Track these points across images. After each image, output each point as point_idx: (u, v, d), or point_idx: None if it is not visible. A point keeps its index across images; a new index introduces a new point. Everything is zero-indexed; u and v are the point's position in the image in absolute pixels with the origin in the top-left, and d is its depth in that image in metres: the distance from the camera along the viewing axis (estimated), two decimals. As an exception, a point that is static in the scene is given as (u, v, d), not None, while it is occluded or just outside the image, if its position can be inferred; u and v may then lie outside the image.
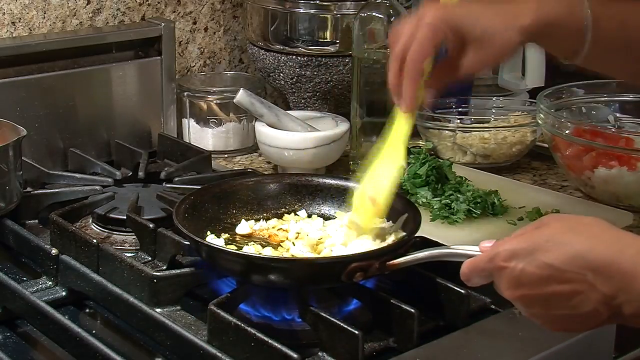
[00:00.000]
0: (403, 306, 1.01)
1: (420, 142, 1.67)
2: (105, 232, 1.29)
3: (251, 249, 1.12)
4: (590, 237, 0.84)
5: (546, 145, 1.56)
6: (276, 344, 0.93)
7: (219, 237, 1.15)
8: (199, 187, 1.23)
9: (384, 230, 1.12)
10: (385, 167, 1.10)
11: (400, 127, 1.10)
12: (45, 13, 1.57)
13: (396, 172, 1.09)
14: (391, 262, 1.03)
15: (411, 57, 1.03)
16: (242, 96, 1.51)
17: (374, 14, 1.53)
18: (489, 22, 1.04)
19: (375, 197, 1.09)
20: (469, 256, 0.92)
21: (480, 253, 0.91)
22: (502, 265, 0.87)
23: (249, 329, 0.96)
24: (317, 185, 1.24)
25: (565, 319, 0.87)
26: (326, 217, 1.22)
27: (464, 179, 1.44)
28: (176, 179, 1.42)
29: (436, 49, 1.04)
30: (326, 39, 1.66)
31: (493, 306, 1.09)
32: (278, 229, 1.18)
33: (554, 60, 1.17)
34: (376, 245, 1.09)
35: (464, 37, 1.04)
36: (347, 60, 1.64)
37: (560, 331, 0.90)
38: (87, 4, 1.61)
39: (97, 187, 1.36)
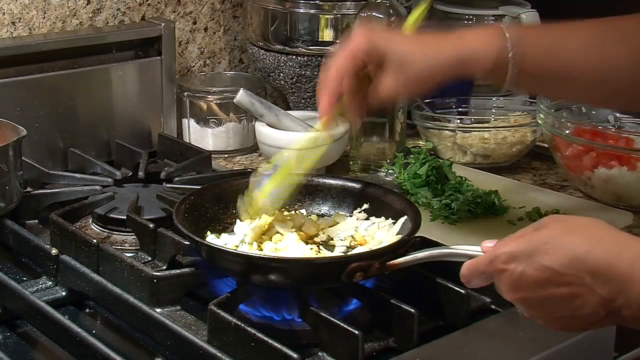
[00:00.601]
0: (403, 306, 1.01)
1: (420, 142, 1.68)
2: (105, 232, 1.29)
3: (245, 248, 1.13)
4: (589, 239, 0.84)
5: (546, 145, 1.56)
6: (276, 344, 0.93)
7: (218, 237, 1.15)
8: (199, 187, 1.23)
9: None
10: (285, 172, 1.13)
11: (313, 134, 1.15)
12: (45, 13, 1.57)
13: (287, 179, 1.13)
14: (391, 262, 1.03)
15: (325, 77, 1.09)
16: (242, 96, 1.51)
17: (374, 14, 1.53)
18: (409, 49, 1.07)
19: (260, 202, 1.12)
20: (470, 256, 0.92)
21: (480, 253, 0.92)
22: (502, 267, 0.87)
23: (249, 329, 0.96)
24: (317, 185, 1.24)
25: (565, 320, 0.87)
26: (325, 217, 1.22)
27: (464, 179, 1.44)
28: (176, 179, 1.42)
29: (355, 72, 1.08)
30: (326, 39, 1.66)
31: (493, 306, 1.09)
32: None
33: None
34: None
35: (382, 62, 1.07)
36: (347, 60, 1.64)
37: (562, 331, 0.90)
38: (87, 4, 1.61)
39: (97, 187, 1.36)
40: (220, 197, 1.20)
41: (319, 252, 1.11)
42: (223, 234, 1.15)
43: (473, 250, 0.93)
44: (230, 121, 1.66)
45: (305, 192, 1.24)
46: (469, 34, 1.09)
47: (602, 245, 0.84)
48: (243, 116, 1.65)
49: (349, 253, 1.11)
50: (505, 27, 1.08)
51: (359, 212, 1.20)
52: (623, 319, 0.85)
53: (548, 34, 1.11)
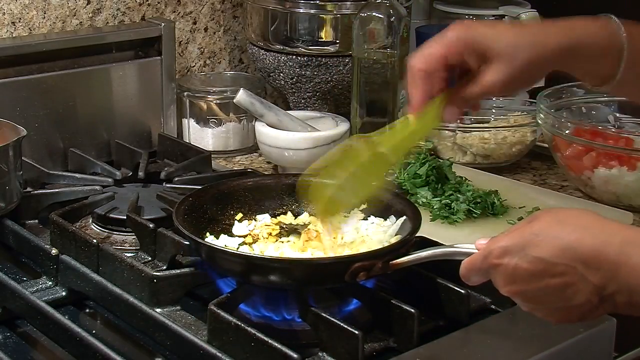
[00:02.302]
0: (403, 306, 1.01)
1: (420, 142, 1.67)
2: (105, 232, 1.29)
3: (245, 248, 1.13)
4: (579, 228, 0.85)
5: (546, 145, 1.56)
6: (276, 344, 0.93)
7: (217, 237, 1.15)
8: (199, 187, 1.23)
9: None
10: (367, 172, 1.05)
11: (401, 129, 1.05)
12: (45, 13, 1.57)
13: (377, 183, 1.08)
14: (394, 261, 1.03)
15: (412, 62, 1.01)
16: (242, 96, 1.51)
17: (374, 14, 1.53)
18: (514, 38, 0.99)
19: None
20: (471, 255, 0.93)
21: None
22: (496, 262, 0.88)
23: (249, 329, 0.96)
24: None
25: (562, 311, 0.88)
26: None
27: (464, 179, 1.44)
28: (176, 179, 1.42)
29: (450, 62, 1.00)
30: (326, 39, 1.66)
31: (493, 306, 1.09)
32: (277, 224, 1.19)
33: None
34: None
35: (485, 52, 0.99)
36: (347, 60, 1.64)
37: (561, 323, 0.90)
38: (87, 4, 1.61)
39: (97, 187, 1.36)
40: (219, 197, 1.20)
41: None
42: (222, 235, 1.15)
43: (475, 248, 0.94)
44: (230, 121, 1.66)
45: None
46: (577, 22, 1.01)
47: (591, 233, 0.85)
48: (243, 116, 1.65)
49: (351, 253, 1.11)
50: (617, 20, 1.01)
51: (357, 212, 1.20)
52: (616, 306, 0.86)
53: None
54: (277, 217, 1.21)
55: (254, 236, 1.16)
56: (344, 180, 1.05)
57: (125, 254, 1.15)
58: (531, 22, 1.02)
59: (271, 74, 1.70)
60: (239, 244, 1.14)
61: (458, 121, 1.62)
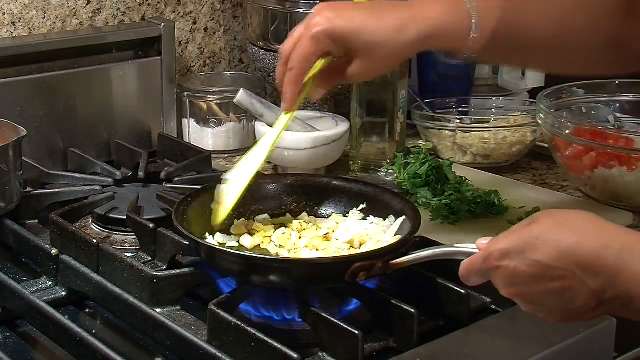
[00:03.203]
0: (403, 306, 1.01)
1: (420, 142, 1.68)
2: (105, 232, 1.29)
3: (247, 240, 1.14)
4: (577, 232, 0.85)
5: (546, 145, 1.56)
6: (276, 344, 0.93)
7: (213, 237, 1.15)
8: (199, 187, 1.23)
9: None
10: (245, 167, 1.13)
11: (278, 123, 1.14)
12: (45, 13, 1.57)
13: (249, 173, 1.12)
14: (394, 261, 1.03)
15: (293, 61, 1.08)
16: (242, 96, 1.51)
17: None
18: (373, 35, 1.07)
19: (221, 200, 1.12)
20: (472, 255, 0.93)
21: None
22: (496, 264, 0.89)
23: (249, 329, 0.96)
24: (314, 185, 1.24)
25: (563, 312, 0.88)
26: (323, 217, 1.22)
27: (464, 179, 1.44)
28: (176, 179, 1.42)
29: (323, 55, 1.08)
30: (326, 39, 1.65)
31: (493, 306, 1.09)
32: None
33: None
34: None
35: (348, 47, 1.07)
36: (347, 60, 1.64)
37: (562, 322, 0.90)
38: (87, 4, 1.61)
39: (97, 187, 1.36)
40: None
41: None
42: (217, 234, 1.15)
43: (475, 248, 0.94)
44: (230, 121, 1.66)
45: (302, 193, 1.24)
46: (429, 6, 1.08)
47: (591, 237, 0.85)
48: (243, 116, 1.65)
49: (351, 253, 1.11)
50: None
51: (355, 212, 1.20)
52: (615, 310, 0.87)
53: (507, 6, 1.10)
54: (277, 218, 1.21)
55: (251, 232, 1.17)
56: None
57: (125, 254, 1.15)
58: (390, 6, 1.08)
59: (271, 74, 1.70)
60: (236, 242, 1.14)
61: (458, 121, 1.62)
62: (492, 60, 1.16)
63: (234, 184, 1.12)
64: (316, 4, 1.63)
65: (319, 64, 1.09)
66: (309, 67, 1.08)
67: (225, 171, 1.17)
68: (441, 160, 1.47)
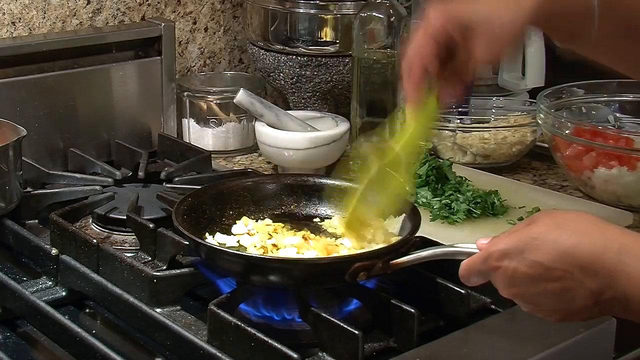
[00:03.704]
0: (403, 306, 1.01)
1: (420, 142, 1.67)
2: (105, 232, 1.29)
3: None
4: (577, 233, 0.85)
5: (546, 145, 1.56)
6: (276, 344, 0.93)
7: (214, 237, 1.15)
8: (199, 187, 1.23)
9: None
10: (384, 184, 1.08)
11: (408, 129, 1.07)
12: (45, 13, 1.57)
13: (397, 194, 1.08)
14: (394, 261, 1.03)
15: (407, 58, 1.03)
16: (242, 96, 1.51)
17: (374, 14, 1.53)
18: (492, 11, 1.02)
19: (367, 222, 1.10)
20: (472, 254, 0.93)
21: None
22: (496, 265, 0.89)
23: (249, 329, 0.96)
24: (313, 186, 1.24)
25: (562, 312, 0.88)
26: (322, 218, 1.22)
27: (464, 179, 1.44)
28: (176, 179, 1.42)
29: (440, 48, 1.02)
30: (326, 39, 1.66)
31: (493, 306, 1.09)
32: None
33: (558, 55, 1.15)
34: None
35: (469, 30, 1.02)
36: (347, 60, 1.64)
37: (562, 322, 0.90)
38: (87, 4, 1.61)
39: (97, 187, 1.36)
40: (219, 197, 1.20)
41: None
42: (217, 234, 1.15)
43: (475, 248, 0.94)
44: (230, 121, 1.66)
45: (302, 193, 1.24)
46: None
47: (589, 238, 0.85)
48: (243, 116, 1.65)
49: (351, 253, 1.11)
50: None
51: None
52: (613, 312, 0.87)
53: None
54: (278, 222, 1.21)
55: (251, 234, 1.16)
56: (364, 192, 1.08)
57: (125, 254, 1.15)
58: None
59: (271, 74, 1.70)
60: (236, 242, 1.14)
61: (458, 121, 1.62)
62: (607, 57, 1.10)
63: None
64: (316, 3, 1.64)
65: (432, 101, 1.03)
66: (425, 58, 1.02)
67: (231, 174, 1.16)
68: (441, 160, 1.47)
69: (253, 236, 1.15)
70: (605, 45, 1.08)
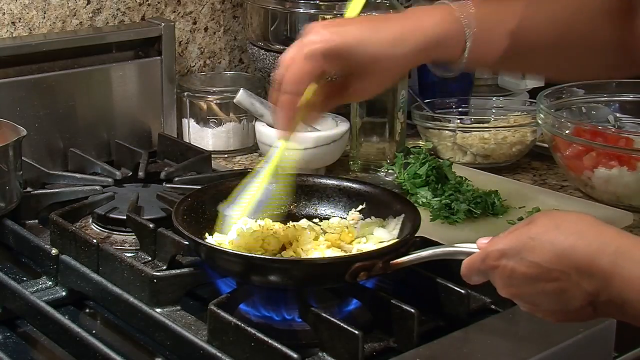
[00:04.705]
0: (403, 306, 1.01)
1: (420, 142, 1.68)
2: (105, 232, 1.29)
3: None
4: (574, 235, 0.85)
5: (546, 145, 1.56)
6: (276, 344, 0.93)
7: (212, 236, 1.14)
8: (198, 187, 1.23)
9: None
10: (243, 203, 1.10)
11: (274, 154, 1.10)
12: (45, 13, 1.57)
13: (254, 194, 1.10)
14: (395, 261, 1.03)
15: (284, 89, 1.03)
16: (242, 96, 1.51)
17: (373, 14, 1.53)
18: (370, 50, 1.02)
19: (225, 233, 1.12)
20: (472, 254, 0.93)
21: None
22: (494, 264, 0.89)
23: (249, 329, 0.96)
24: (313, 186, 1.24)
25: (560, 313, 0.88)
26: (322, 218, 1.22)
27: (464, 179, 1.44)
28: (176, 179, 1.42)
29: (318, 76, 1.03)
30: (326, 39, 1.65)
31: (493, 306, 1.09)
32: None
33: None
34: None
35: (344, 65, 1.03)
36: (347, 60, 1.64)
37: (561, 322, 0.90)
38: (87, 4, 1.61)
39: (97, 187, 1.36)
40: (219, 197, 1.20)
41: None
42: (216, 233, 1.15)
43: (475, 248, 0.94)
44: (230, 121, 1.66)
45: (301, 193, 1.24)
46: (424, 17, 1.06)
47: (586, 240, 0.85)
48: (243, 116, 1.65)
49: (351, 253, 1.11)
50: (456, 6, 1.06)
51: (354, 212, 1.20)
52: (610, 313, 0.87)
53: (503, 13, 1.09)
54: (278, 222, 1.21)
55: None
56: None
57: (125, 254, 1.15)
58: (385, 19, 1.06)
59: (271, 74, 1.70)
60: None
61: (458, 121, 1.62)
62: (492, 68, 1.13)
63: (234, 219, 1.12)
64: (316, 3, 1.64)
65: (311, 89, 1.04)
66: (304, 89, 1.02)
67: (231, 174, 1.16)
68: (441, 160, 1.47)
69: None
70: (496, 64, 1.14)
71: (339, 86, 1.07)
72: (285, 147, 1.07)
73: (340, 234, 1.14)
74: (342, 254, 1.10)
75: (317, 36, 1.03)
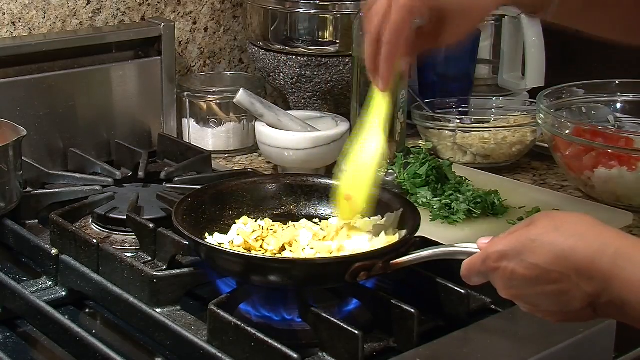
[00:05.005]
0: (403, 306, 1.01)
1: (420, 142, 1.68)
2: (105, 232, 1.29)
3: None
4: (574, 236, 0.85)
5: (546, 145, 1.56)
6: (276, 344, 0.93)
7: (212, 236, 1.14)
8: (198, 187, 1.23)
9: (379, 227, 1.12)
10: (363, 156, 1.08)
11: (378, 107, 1.08)
12: (45, 13, 1.57)
13: (375, 160, 1.07)
14: (395, 261, 1.03)
15: (387, 40, 1.01)
16: (242, 96, 1.51)
17: (374, 14, 1.53)
18: None
19: (350, 194, 1.09)
20: (472, 254, 0.93)
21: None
22: (494, 266, 0.89)
23: (249, 329, 0.96)
24: (313, 186, 1.24)
25: (560, 314, 0.88)
26: (322, 218, 1.22)
27: (464, 179, 1.44)
28: (176, 179, 1.42)
29: (412, 26, 1.02)
30: (326, 39, 1.66)
31: (493, 306, 1.09)
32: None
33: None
34: (372, 243, 1.10)
35: (440, 12, 1.02)
36: (347, 60, 1.64)
37: (561, 322, 0.90)
38: (87, 4, 1.61)
39: (97, 187, 1.36)
40: (219, 197, 1.20)
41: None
42: (215, 233, 1.15)
43: (475, 247, 0.94)
44: (230, 121, 1.66)
45: (301, 193, 1.24)
46: None
47: (586, 241, 0.85)
48: (243, 116, 1.65)
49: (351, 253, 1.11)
50: None
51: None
52: (611, 315, 0.87)
53: None
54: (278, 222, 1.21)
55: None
56: (348, 177, 1.09)
57: (125, 254, 1.15)
58: None
59: (271, 74, 1.70)
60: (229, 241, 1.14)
61: (458, 121, 1.62)
62: (564, 20, 1.11)
63: (357, 174, 1.08)
64: (316, 3, 1.64)
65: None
66: (404, 39, 1.01)
67: (231, 174, 1.16)
68: (441, 160, 1.47)
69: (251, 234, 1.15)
70: (570, 15, 1.09)
71: (427, 33, 1.05)
72: (387, 101, 1.06)
73: (331, 233, 1.14)
74: (342, 254, 1.10)
75: None
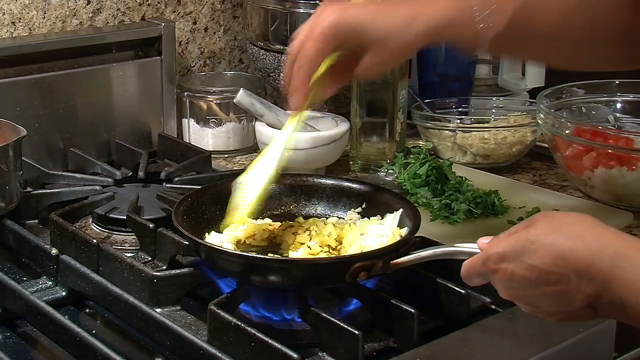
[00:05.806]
0: (403, 306, 1.01)
1: (420, 142, 1.68)
2: (105, 232, 1.29)
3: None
4: (573, 237, 0.85)
5: (546, 145, 1.56)
6: (276, 344, 0.93)
7: (209, 235, 1.14)
8: (199, 187, 1.23)
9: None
10: (258, 171, 1.12)
11: (289, 124, 1.12)
12: (45, 13, 1.57)
13: (266, 176, 1.11)
14: (395, 261, 1.03)
15: (301, 60, 1.04)
16: (242, 96, 1.51)
17: None
18: (383, 28, 1.04)
19: (236, 206, 1.12)
20: (473, 254, 0.93)
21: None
22: (494, 267, 0.89)
23: (249, 329, 0.96)
24: (313, 186, 1.24)
25: (561, 314, 0.88)
26: (322, 218, 1.22)
27: (464, 179, 1.44)
28: (176, 179, 1.42)
29: (331, 52, 1.04)
30: (326, 39, 1.65)
31: (493, 306, 1.09)
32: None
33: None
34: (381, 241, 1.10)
35: (360, 40, 1.04)
36: (347, 60, 1.64)
37: (562, 322, 0.90)
38: (87, 4, 1.61)
39: (97, 187, 1.36)
40: (219, 197, 1.20)
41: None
42: (212, 232, 1.15)
43: (476, 248, 0.94)
44: (230, 121, 1.66)
45: (301, 193, 1.24)
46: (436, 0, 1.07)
47: (585, 242, 0.84)
48: (243, 116, 1.65)
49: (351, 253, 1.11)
50: None
51: (353, 212, 1.20)
52: (611, 315, 0.87)
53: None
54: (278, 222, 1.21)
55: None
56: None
57: (125, 254, 1.15)
58: (396, 2, 1.06)
59: (271, 74, 1.70)
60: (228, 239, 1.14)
61: (458, 121, 1.62)
62: (499, 54, 1.12)
63: (248, 189, 1.11)
64: (316, 4, 1.64)
65: (325, 63, 1.06)
66: (318, 66, 1.05)
67: (231, 174, 1.16)
68: (441, 160, 1.47)
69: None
70: (509, 47, 1.12)
71: (348, 63, 1.07)
72: (297, 124, 1.10)
73: (330, 233, 1.14)
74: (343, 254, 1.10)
75: (330, 14, 1.04)
